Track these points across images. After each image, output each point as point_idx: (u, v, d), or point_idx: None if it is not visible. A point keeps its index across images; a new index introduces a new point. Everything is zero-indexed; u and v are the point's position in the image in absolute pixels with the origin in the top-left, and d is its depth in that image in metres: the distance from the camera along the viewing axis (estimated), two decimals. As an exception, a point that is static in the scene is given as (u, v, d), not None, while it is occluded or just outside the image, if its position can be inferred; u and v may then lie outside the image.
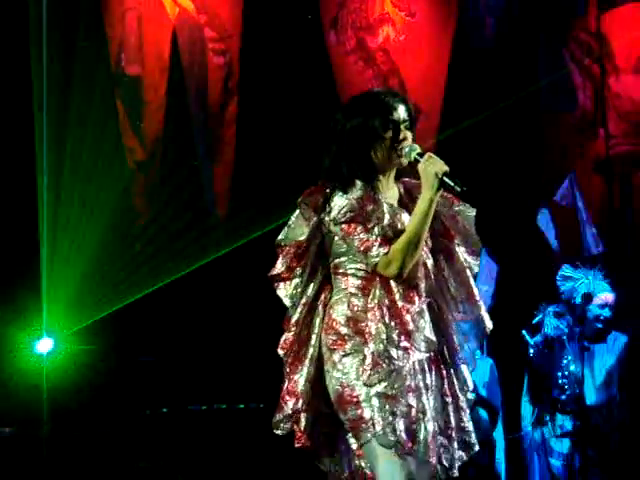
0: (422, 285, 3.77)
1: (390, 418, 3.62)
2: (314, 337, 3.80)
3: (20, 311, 7.11)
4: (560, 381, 6.56)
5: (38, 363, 6.96)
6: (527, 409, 6.68)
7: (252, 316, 7.06)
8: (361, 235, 3.70)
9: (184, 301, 7.46)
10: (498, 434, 6.78)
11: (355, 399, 3.65)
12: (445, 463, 3.80)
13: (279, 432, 3.80)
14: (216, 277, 7.54)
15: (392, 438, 3.60)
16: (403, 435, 3.61)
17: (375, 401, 3.63)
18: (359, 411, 3.65)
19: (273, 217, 5.83)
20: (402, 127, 3.79)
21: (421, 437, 3.67)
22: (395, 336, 3.67)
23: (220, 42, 7.95)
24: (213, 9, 7.99)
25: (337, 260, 3.80)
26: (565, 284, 6.66)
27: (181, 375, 7.21)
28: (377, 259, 3.69)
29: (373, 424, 3.62)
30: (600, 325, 6.59)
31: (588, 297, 6.54)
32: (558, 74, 8.05)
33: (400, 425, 3.62)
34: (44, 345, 7.02)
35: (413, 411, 3.65)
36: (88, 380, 6.90)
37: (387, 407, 3.63)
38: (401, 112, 3.79)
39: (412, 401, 3.66)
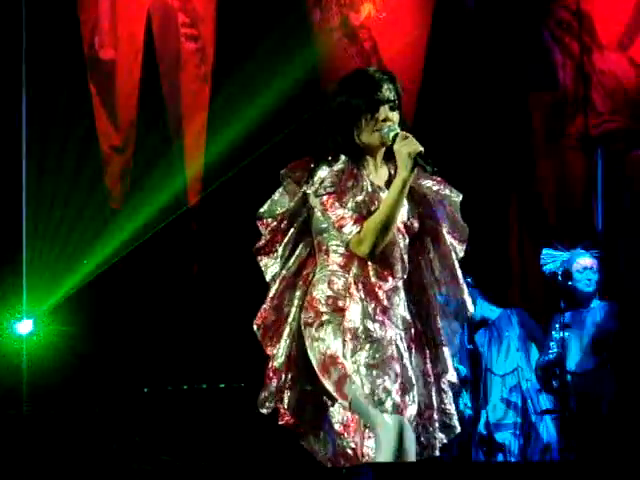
0: (397, 266, 3.77)
1: (379, 381, 3.61)
2: (292, 313, 3.81)
3: (0, 292, 7.09)
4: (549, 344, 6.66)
5: (18, 344, 6.95)
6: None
7: (233, 295, 7.05)
8: (337, 210, 3.71)
9: (161, 282, 7.45)
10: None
11: (336, 359, 3.67)
12: (423, 441, 3.79)
13: (264, 410, 3.82)
14: (194, 256, 7.54)
15: (385, 398, 3.59)
16: (396, 397, 3.61)
17: (362, 370, 3.63)
18: (341, 368, 3.66)
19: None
20: (386, 107, 3.79)
21: (410, 403, 3.66)
22: (371, 310, 3.69)
23: (192, 27, 7.92)
24: (186, -6, 7.96)
25: (319, 237, 3.81)
26: (546, 266, 6.74)
27: (162, 355, 7.20)
28: (349, 236, 3.70)
29: (363, 387, 3.61)
30: (589, 289, 6.67)
31: (567, 274, 6.61)
32: (537, 53, 8.02)
33: (393, 387, 3.62)
34: (24, 326, 7.01)
35: (400, 379, 3.65)
36: (68, 361, 6.90)
37: (374, 373, 3.63)
38: (386, 92, 3.79)
39: (398, 369, 3.66)
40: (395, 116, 3.79)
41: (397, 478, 3.31)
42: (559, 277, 6.69)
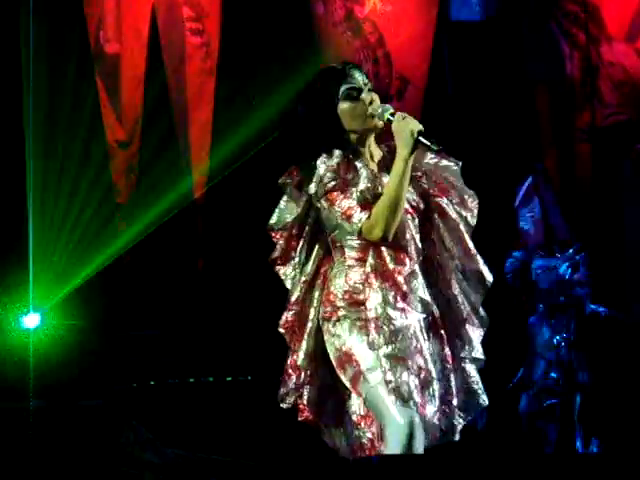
0: (411, 247, 3.77)
1: (404, 376, 3.62)
2: (313, 311, 3.83)
3: (6, 286, 7.10)
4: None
5: (25, 338, 6.95)
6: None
7: (239, 289, 7.06)
8: (342, 203, 3.72)
9: (171, 276, 7.46)
10: None
11: (351, 356, 3.68)
12: (443, 427, 3.81)
13: (284, 405, 3.85)
14: (200, 250, 7.56)
15: (407, 396, 3.61)
16: (417, 397, 3.63)
17: (385, 362, 3.65)
18: (355, 365, 3.68)
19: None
20: (365, 90, 3.80)
21: (430, 398, 3.69)
22: (391, 298, 3.70)
23: (197, 22, 7.91)
24: (191, -13, 7.95)
25: (332, 234, 3.82)
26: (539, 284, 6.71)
27: (168, 349, 7.21)
28: (359, 224, 3.71)
29: (386, 380, 3.62)
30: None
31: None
32: (544, 45, 8.00)
33: (415, 381, 3.64)
34: (31, 320, 7.01)
35: (423, 372, 3.68)
36: (75, 355, 6.90)
37: (398, 368, 3.64)
38: (359, 78, 3.81)
39: (421, 362, 3.68)
40: (377, 96, 3.81)
41: (404, 470, 3.31)
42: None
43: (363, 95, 3.79)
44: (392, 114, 3.75)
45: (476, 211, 3.89)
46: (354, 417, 3.80)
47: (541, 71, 8.08)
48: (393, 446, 3.58)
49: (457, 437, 3.86)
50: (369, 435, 3.76)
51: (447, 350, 3.83)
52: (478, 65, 7.77)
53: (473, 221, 3.88)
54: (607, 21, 7.99)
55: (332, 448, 3.89)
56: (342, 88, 3.78)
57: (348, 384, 3.72)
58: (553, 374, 6.61)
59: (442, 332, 3.84)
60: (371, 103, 3.79)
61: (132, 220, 7.50)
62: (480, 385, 3.88)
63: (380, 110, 3.78)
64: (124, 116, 7.78)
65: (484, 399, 3.87)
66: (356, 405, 3.80)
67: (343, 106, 3.79)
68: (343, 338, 3.72)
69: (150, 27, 7.83)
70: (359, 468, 3.42)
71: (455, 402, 3.82)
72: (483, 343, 3.88)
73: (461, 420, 3.85)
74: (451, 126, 7.31)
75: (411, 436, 3.59)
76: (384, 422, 3.63)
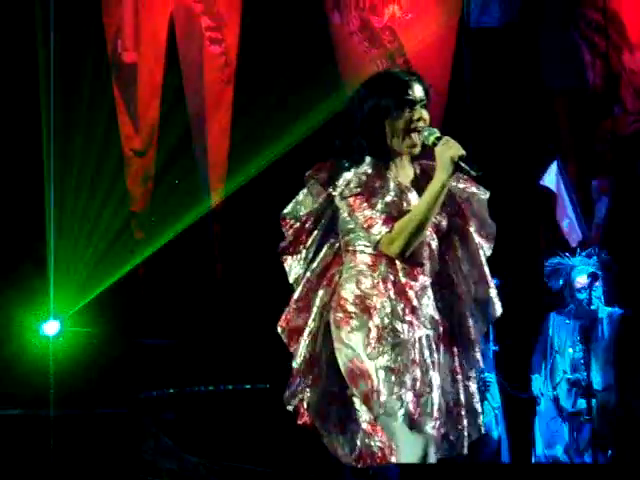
0: (427, 265, 3.77)
1: (396, 389, 3.62)
2: (314, 313, 3.80)
3: (27, 293, 7.13)
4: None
5: (45, 345, 6.97)
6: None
7: (257, 296, 7.06)
8: (365, 211, 3.71)
9: (189, 283, 7.47)
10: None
11: (365, 373, 3.66)
12: (452, 439, 3.79)
13: (290, 407, 3.84)
14: (218, 257, 7.57)
15: (398, 408, 3.59)
16: (410, 406, 3.60)
17: (381, 373, 3.64)
18: (369, 384, 3.65)
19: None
20: (418, 106, 3.77)
21: (428, 410, 3.66)
22: (400, 310, 3.69)
23: (217, 31, 7.93)
24: (210, -2, 7.98)
25: (347, 237, 3.80)
26: (550, 283, 6.69)
27: (188, 357, 7.21)
28: (378, 237, 3.70)
29: (378, 395, 3.62)
30: (587, 307, 6.60)
31: (570, 288, 6.60)
32: (565, 52, 7.97)
33: (407, 396, 3.62)
34: (51, 327, 7.03)
35: (418, 384, 3.65)
36: (95, 362, 6.91)
37: (392, 379, 3.63)
38: (417, 91, 3.79)
39: (417, 374, 3.66)
40: (427, 115, 3.79)
41: (424, 479, 3.31)
42: (564, 292, 6.68)
43: (415, 109, 3.77)
44: (438, 138, 3.72)
45: (493, 243, 3.89)
46: (364, 425, 3.76)
47: (560, 79, 8.05)
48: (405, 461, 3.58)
49: (465, 451, 3.82)
50: (379, 444, 3.74)
51: (457, 363, 3.82)
52: (497, 72, 7.75)
53: (489, 252, 3.89)
54: (629, 29, 7.96)
55: (331, 453, 3.85)
56: (395, 97, 3.76)
57: (359, 399, 3.70)
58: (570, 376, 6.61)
59: (453, 345, 3.83)
60: (419, 120, 3.76)
61: (150, 228, 7.52)
62: (479, 407, 3.86)
63: (427, 133, 3.75)
64: (140, 124, 7.82)
65: (481, 425, 3.85)
66: (366, 414, 3.77)
67: (392, 115, 3.75)
68: (357, 352, 3.69)
69: (168, 36, 7.87)
70: (381, 476, 3.44)
71: (464, 413, 3.81)
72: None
73: (470, 432, 3.83)
74: (470, 134, 7.28)
75: (425, 454, 3.58)
76: (397, 438, 3.62)
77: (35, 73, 7.43)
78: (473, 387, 3.85)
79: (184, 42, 7.90)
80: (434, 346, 3.76)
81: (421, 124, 3.76)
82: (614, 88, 7.88)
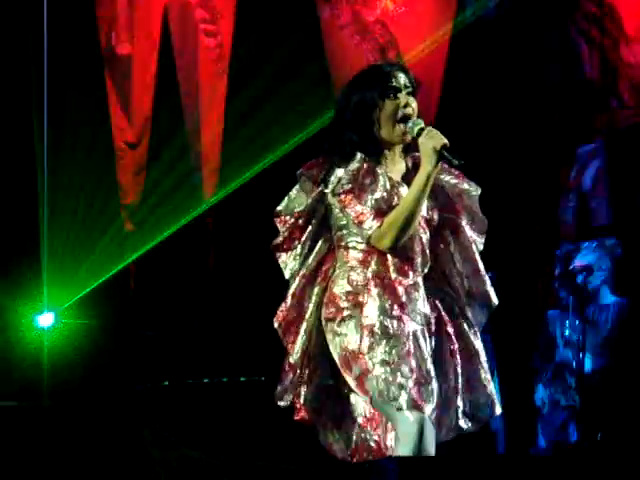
0: (418, 260, 3.77)
1: (394, 378, 3.60)
2: (310, 308, 3.80)
3: (21, 286, 7.14)
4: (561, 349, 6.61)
5: (39, 337, 6.98)
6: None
7: (250, 288, 7.07)
8: (356, 207, 3.71)
9: (183, 275, 7.48)
10: None
11: (357, 354, 3.66)
12: (451, 425, 3.81)
13: (281, 403, 3.82)
14: (211, 250, 7.59)
15: (399, 394, 3.58)
16: (413, 393, 3.60)
17: (377, 367, 3.63)
18: (363, 365, 3.65)
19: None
20: (404, 93, 3.77)
21: (430, 398, 3.64)
22: (388, 306, 3.69)
23: (211, 23, 7.92)
24: (205, -10, 7.98)
25: (339, 233, 3.80)
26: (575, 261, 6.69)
27: (182, 348, 7.23)
28: (370, 232, 3.70)
29: (377, 384, 3.61)
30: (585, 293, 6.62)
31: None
32: (562, 47, 7.98)
33: (409, 383, 3.61)
34: (45, 319, 7.04)
35: (414, 374, 3.64)
36: (89, 354, 6.92)
37: (389, 370, 3.62)
38: (400, 79, 3.79)
39: (414, 364, 3.65)
40: (415, 102, 3.78)
41: (421, 472, 3.32)
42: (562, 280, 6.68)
43: (399, 95, 3.77)
44: (421, 129, 3.72)
45: (484, 238, 3.89)
46: (360, 419, 3.79)
47: (557, 72, 8.05)
48: (404, 442, 3.56)
49: (464, 425, 3.82)
50: (375, 438, 3.77)
51: (457, 356, 3.82)
52: (493, 66, 7.75)
53: (481, 246, 3.89)
54: (626, 22, 7.96)
55: (325, 448, 3.85)
56: (379, 87, 3.75)
57: (353, 384, 3.70)
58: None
59: (451, 338, 3.83)
60: (406, 107, 3.76)
61: (142, 221, 7.53)
62: (488, 399, 3.84)
63: (411, 124, 3.74)
64: (134, 117, 7.82)
65: (492, 409, 3.83)
66: (361, 408, 3.79)
67: (378, 104, 3.75)
68: (349, 337, 3.69)
69: (162, 28, 7.86)
70: (377, 470, 3.44)
71: (460, 403, 3.82)
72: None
73: (469, 423, 3.84)
74: (465, 128, 7.29)
75: (422, 432, 3.56)
76: (394, 421, 3.62)
77: (27, 67, 7.42)
78: (477, 377, 3.84)
79: (178, 34, 7.89)
80: (428, 339, 3.75)
81: (409, 110, 3.75)
82: (611, 81, 7.88)
